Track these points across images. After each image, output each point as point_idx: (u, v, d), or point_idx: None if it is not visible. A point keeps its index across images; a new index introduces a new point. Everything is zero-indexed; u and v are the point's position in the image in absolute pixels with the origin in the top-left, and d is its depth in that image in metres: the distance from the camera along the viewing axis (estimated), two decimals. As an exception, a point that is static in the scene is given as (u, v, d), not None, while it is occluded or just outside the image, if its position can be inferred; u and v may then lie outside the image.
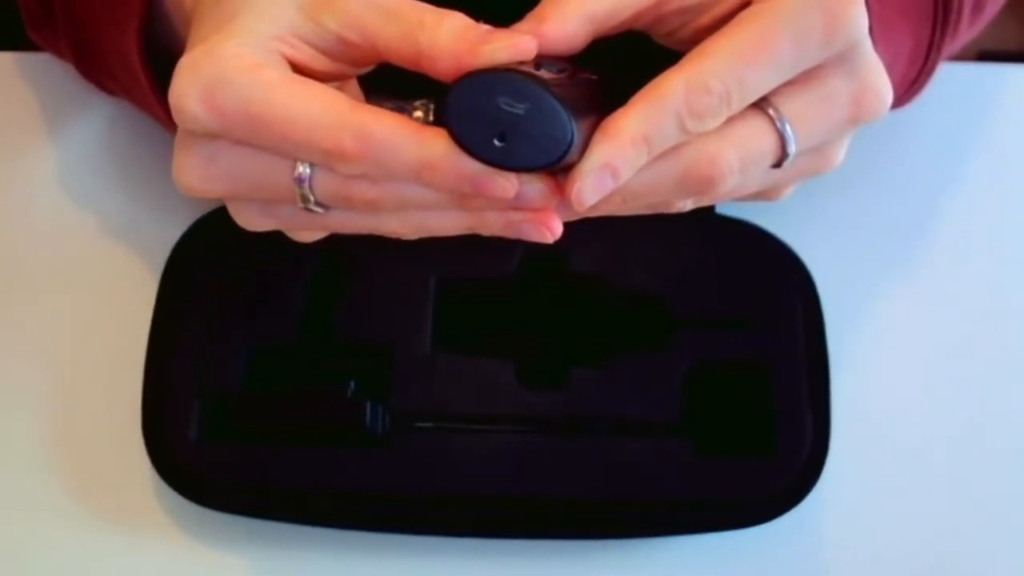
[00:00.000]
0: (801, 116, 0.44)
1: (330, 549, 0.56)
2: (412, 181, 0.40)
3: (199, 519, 0.56)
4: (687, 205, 0.46)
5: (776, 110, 0.43)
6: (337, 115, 0.39)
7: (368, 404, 0.54)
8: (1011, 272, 0.61)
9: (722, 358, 0.56)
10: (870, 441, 0.58)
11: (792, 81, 0.43)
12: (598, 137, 0.40)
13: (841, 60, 0.43)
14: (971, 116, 0.65)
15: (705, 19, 0.44)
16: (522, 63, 0.40)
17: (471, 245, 0.57)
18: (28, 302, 0.60)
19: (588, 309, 0.58)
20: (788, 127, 0.43)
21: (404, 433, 0.55)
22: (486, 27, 0.41)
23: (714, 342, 0.57)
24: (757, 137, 0.43)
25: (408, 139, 0.39)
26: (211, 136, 0.41)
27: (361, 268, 0.57)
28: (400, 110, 0.57)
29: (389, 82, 0.61)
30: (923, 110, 0.63)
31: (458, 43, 0.40)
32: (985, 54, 0.85)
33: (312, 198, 0.41)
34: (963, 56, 0.65)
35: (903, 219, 0.62)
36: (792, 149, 0.44)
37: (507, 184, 0.40)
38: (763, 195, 0.48)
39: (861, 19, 0.42)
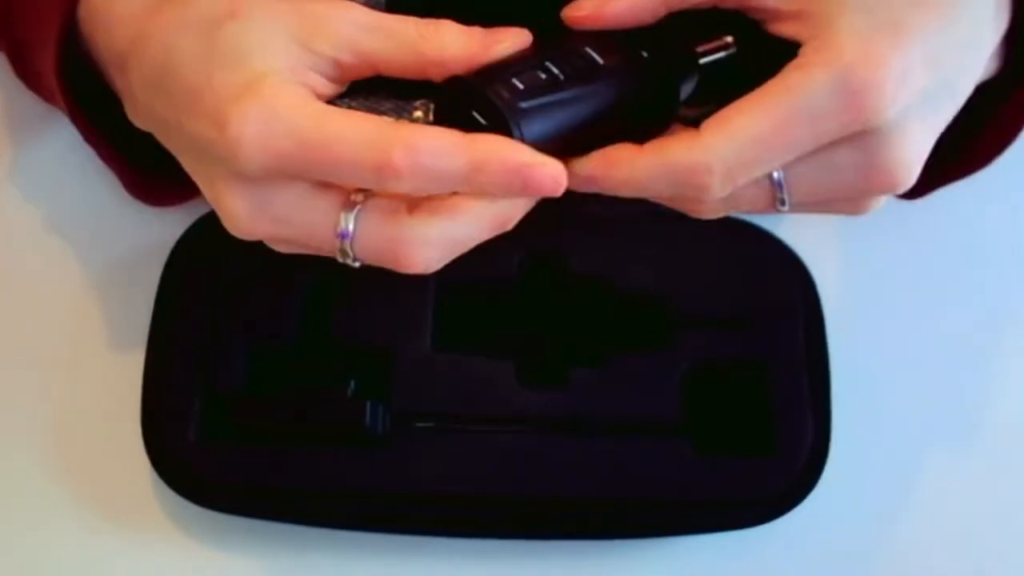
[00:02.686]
0: (801, 178, 0.44)
1: (330, 549, 0.56)
2: (461, 187, 0.41)
3: (198, 519, 0.55)
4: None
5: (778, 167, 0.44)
6: (383, 134, 0.40)
7: (368, 404, 0.54)
8: (1011, 272, 0.62)
9: (722, 358, 0.56)
10: (870, 441, 0.58)
11: None
12: (597, 164, 0.43)
13: (853, 136, 0.43)
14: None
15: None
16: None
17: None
18: (28, 301, 0.60)
19: (588, 309, 0.58)
20: (784, 185, 0.44)
21: (404, 433, 0.55)
22: (477, 28, 0.42)
23: (714, 342, 0.57)
24: (754, 189, 0.44)
25: (455, 145, 0.40)
26: (261, 179, 0.42)
27: (361, 268, 0.57)
28: (399, 110, 0.57)
29: (386, 83, 0.61)
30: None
31: (468, 46, 0.41)
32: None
33: (351, 255, 0.43)
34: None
35: (903, 219, 0.62)
36: (786, 206, 0.45)
37: (557, 173, 0.41)
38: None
39: (882, 105, 0.41)
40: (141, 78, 0.44)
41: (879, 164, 0.43)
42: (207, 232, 0.58)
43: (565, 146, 0.43)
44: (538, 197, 0.43)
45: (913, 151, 0.44)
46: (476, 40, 0.42)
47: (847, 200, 0.46)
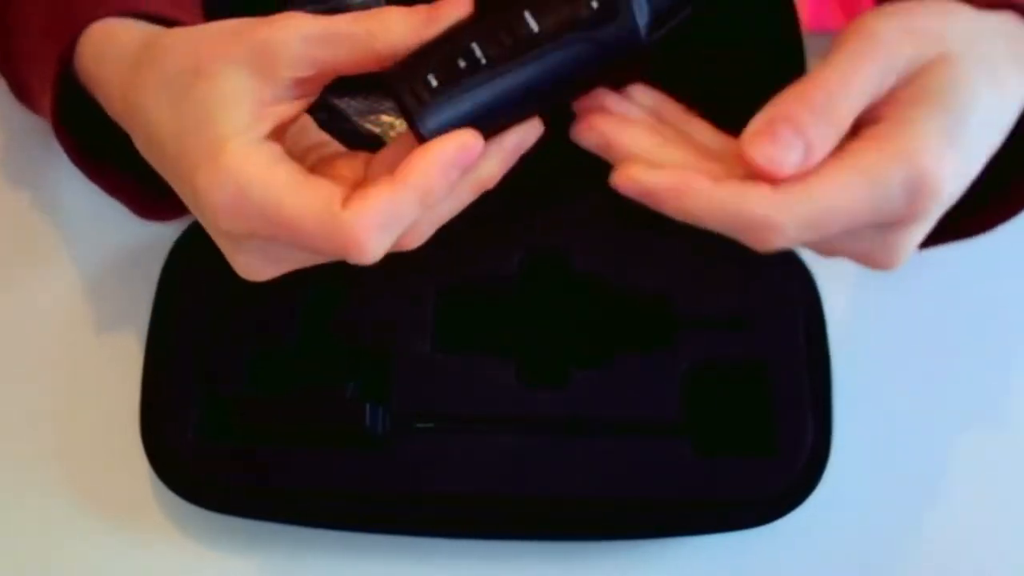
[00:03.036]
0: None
1: (330, 549, 0.56)
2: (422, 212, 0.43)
3: (197, 520, 0.55)
4: None
5: None
6: (335, 222, 0.41)
7: (368, 405, 0.54)
8: (1011, 271, 0.62)
9: (722, 358, 0.56)
10: (871, 441, 0.58)
11: None
12: (668, 186, 0.42)
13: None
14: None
15: None
16: None
17: (472, 245, 0.57)
18: (26, 302, 0.60)
19: (588, 309, 0.58)
20: None
21: (404, 434, 0.55)
22: (420, 7, 0.43)
23: (714, 342, 0.57)
24: None
25: (399, 198, 0.41)
26: (248, 236, 0.43)
27: (361, 269, 0.57)
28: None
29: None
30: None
31: (415, 30, 0.42)
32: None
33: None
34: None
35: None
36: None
37: (460, 144, 0.42)
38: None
39: (933, 209, 0.42)
40: (136, 140, 0.47)
41: (890, 246, 0.44)
42: (206, 232, 0.58)
43: (499, 120, 0.43)
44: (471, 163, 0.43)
45: (918, 241, 0.45)
46: (420, 21, 0.42)
47: (845, 253, 0.47)
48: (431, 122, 0.42)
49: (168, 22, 0.49)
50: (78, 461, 0.57)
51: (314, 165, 0.46)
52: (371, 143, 0.60)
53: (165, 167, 0.45)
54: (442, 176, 0.42)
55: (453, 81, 0.42)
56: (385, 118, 0.60)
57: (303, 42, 0.42)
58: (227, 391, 0.55)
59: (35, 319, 0.59)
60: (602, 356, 0.56)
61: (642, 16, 0.42)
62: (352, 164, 0.45)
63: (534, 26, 0.41)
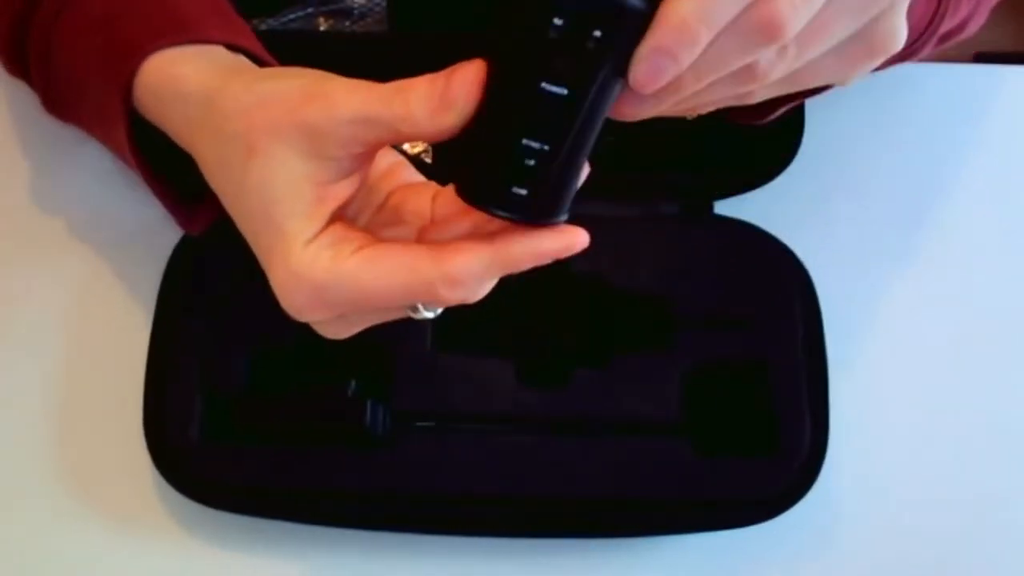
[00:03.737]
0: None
1: (330, 549, 0.56)
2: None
3: (200, 518, 0.56)
4: (777, 67, 0.41)
5: None
6: (423, 275, 0.42)
7: (368, 404, 0.54)
8: (1010, 271, 0.62)
9: (722, 358, 0.56)
10: (869, 440, 0.58)
11: None
12: (655, 21, 0.38)
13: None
14: (968, 117, 0.65)
15: None
16: None
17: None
18: (30, 302, 0.60)
19: (588, 309, 0.58)
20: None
21: (405, 433, 0.55)
22: (438, 79, 0.41)
23: (714, 342, 0.57)
24: None
25: (490, 262, 0.42)
26: (333, 319, 0.45)
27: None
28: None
29: (388, 82, 0.61)
30: (921, 111, 0.64)
31: (431, 122, 0.41)
32: (981, 55, 0.86)
33: (421, 309, 0.46)
34: (960, 57, 0.65)
35: (901, 219, 0.62)
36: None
37: (572, 242, 0.43)
38: (856, 54, 0.42)
39: None
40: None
41: (885, 28, 0.41)
42: (209, 232, 0.58)
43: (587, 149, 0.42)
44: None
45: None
46: (436, 98, 0.41)
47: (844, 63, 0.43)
48: (541, 220, 0.42)
49: (223, 46, 0.50)
50: (82, 459, 0.57)
51: (380, 207, 0.47)
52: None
53: (238, 227, 0.46)
54: (534, 261, 0.43)
55: (535, 182, 0.41)
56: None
57: (349, 125, 0.42)
58: (229, 390, 0.55)
59: (38, 319, 0.59)
60: (602, 356, 0.56)
61: None
62: (419, 198, 0.47)
63: (562, 91, 0.39)
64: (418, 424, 0.55)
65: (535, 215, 0.42)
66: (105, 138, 0.54)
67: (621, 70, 0.39)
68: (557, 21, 0.38)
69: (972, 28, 0.59)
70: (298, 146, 0.43)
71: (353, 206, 0.46)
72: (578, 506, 0.54)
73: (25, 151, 0.62)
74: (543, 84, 0.39)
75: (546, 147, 0.40)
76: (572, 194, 0.42)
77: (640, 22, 0.38)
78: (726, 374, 0.56)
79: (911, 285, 0.61)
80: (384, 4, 0.66)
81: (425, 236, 0.45)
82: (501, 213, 0.41)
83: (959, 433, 0.59)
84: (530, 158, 0.40)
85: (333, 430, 0.54)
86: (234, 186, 0.45)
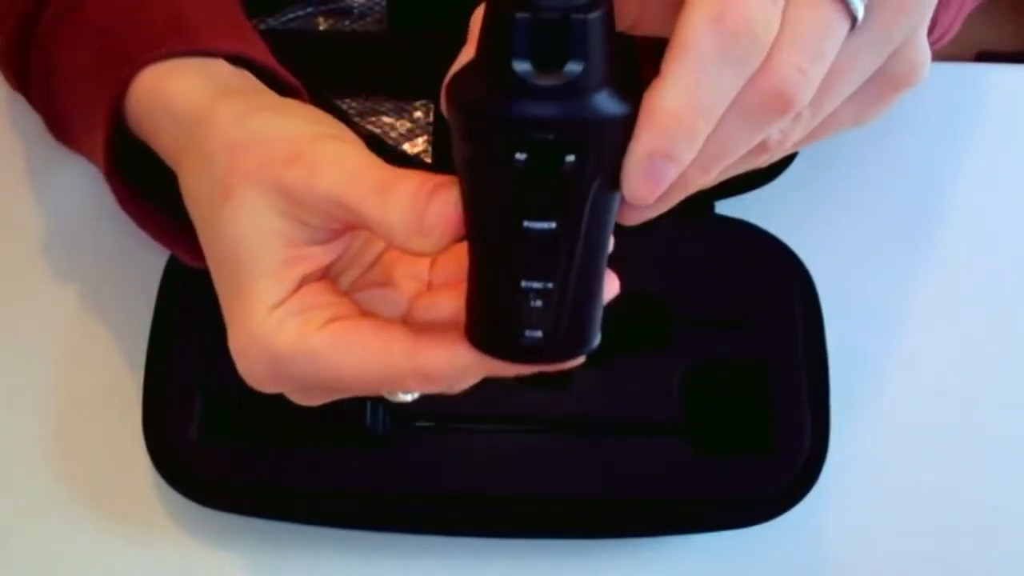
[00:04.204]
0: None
1: (330, 548, 0.56)
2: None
3: (199, 518, 0.56)
4: (791, 136, 0.36)
5: None
6: (394, 366, 0.38)
7: (368, 404, 0.54)
8: (1010, 271, 0.62)
9: (722, 358, 0.56)
10: (869, 440, 0.58)
11: None
12: (640, 122, 0.33)
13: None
14: (969, 116, 0.65)
15: None
16: None
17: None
18: (29, 302, 0.60)
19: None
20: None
21: (405, 433, 0.55)
22: (421, 194, 0.37)
23: (714, 342, 0.57)
24: (802, 6, 0.33)
25: (470, 364, 0.38)
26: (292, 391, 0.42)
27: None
28: (400, 110, 0.57)
29: (386, 83, 0.61)
30: (922, 110, 0.63)
31: (406, 237, 0.37)
32: (983, 55, 0.85)
33: (397, 392, 0.42)
34: (962, 56, 0.65)
35: (902, 219, 0.62)
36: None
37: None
38: (869, 105, 0.37)
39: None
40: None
41: (906, 62, 0.36)
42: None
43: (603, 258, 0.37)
44: None
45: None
46: (415, 219, 0.37)
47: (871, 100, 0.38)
48: (564, 359, 0.38)
49: (227, 57, 0.47)
50: (81, 460, 0.57)
51: (372, 264, 0.43)
52: (371, 144, 0.60)
53: (208, 264, 0.43)
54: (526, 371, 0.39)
55: (548, 323, 0.36)
56: (386, 119, 0.60)
57: (325, 202, 0.38)
58: (229, 390, 0.55)
59: (37, 320, 0.59)
60: (602, 356, 0.56)
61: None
62: (417, 259, 0.42)
63: (549, 226, 0.34)
64: (418, 424, 0.55)
65: (556, 357, 0.37)
66: (92, 155, 0.51)
67: (612, 183, 0.34)
68: (520, 156, 0.32)
69: (947, 39, 0.58)
70: (274, 203, 0.39)
71: (340, 261, 0.42)
72: (578, 506, 0.54)
73: (24, 152, 0.62)
74: (525, 223, 0.34)
75: (549, 285, 0.35)
76: (597, 322, 0.38)
77: (620, 128, 0.33)
78: (726, 374, 0.56)
79: (912, 285, 0.61)
80: (383, 4, 0.66)
81: (414, 310, 0.41)
82: (520, 361, 0.37)
83: (960, 433, 0.58)
84: (535, 299, 0.36)
85: (333, 430, 0.54)
86: (207, 224, 0.41)
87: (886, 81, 0.36)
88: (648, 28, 0.37)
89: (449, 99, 0.34)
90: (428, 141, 0.60)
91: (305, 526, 0.55)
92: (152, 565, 0.56)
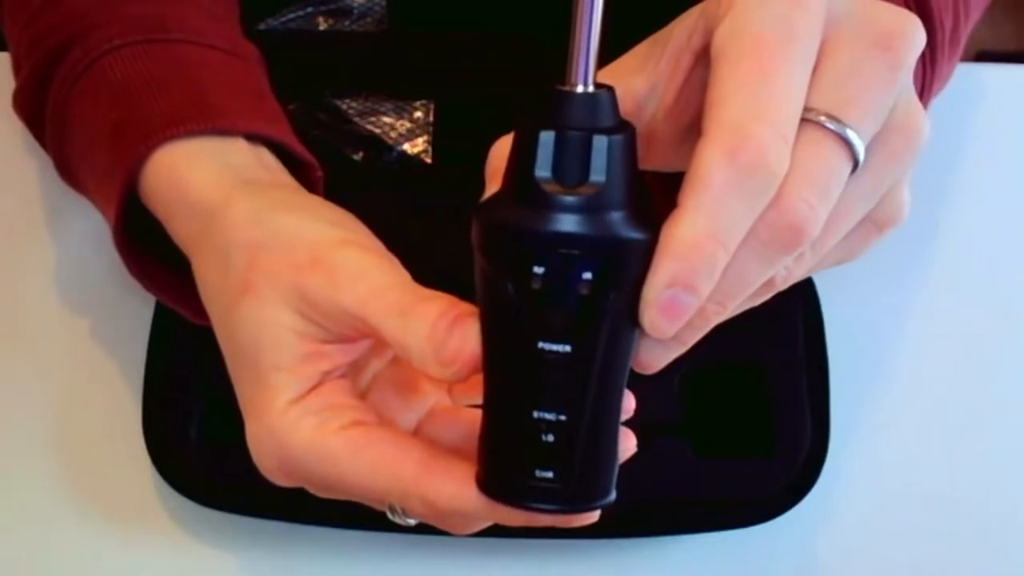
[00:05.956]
0: (837, 98, 0.35)
1: (330, 549, 0.56)
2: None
3: (200, 518, 0.56)
4: (794, 273, 0.38)
5: (811, 110, 0.35)
6: (403, 487, 0.38)
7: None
8: (1010, 271, 0.62)
9: (721, 358, 0.56)
10: (869, 440, 0.58)
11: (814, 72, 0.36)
12: (660, 251, 0.34)
13: (840, 22, 0.36)
14: (970, 116, 0.65)
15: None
16: None
17: (472, 244, 0.57)
18: (29, 302, 0.60)
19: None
20: (834, 120, 0.35)
21: (404, 433, 0.55)
22: (441, 324, 0.37)
23: (713, 342, 0.56)
24: (811, 147, 0.35)
25: (475, 507, 0.38)
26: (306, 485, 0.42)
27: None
28: (400, 110, 0.56)
29: (386, 83, 0.61)
30: (922, 111, 0.63)
31: (425, 361, 0.37)
32: (983, 54, 0.85)
33: (399, 514, 0.41)
34: (962, 56, 0.65)
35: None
36: (853, 136, 0.35)
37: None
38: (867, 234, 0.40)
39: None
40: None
41: (886, 26, 0.36)
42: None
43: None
44: None
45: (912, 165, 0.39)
46: (435, 347, 0.36)
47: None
48: (578, 508, 0.37)
49: (247, 135, 0.46)
50: (81, 459, 0.57)
51: (396, 359, 0.43)
52: (371, 144, 0.60)
53: (223, 353, 0.43)
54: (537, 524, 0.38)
55: (560, 462, 0.35)
56: (385, 119, 0.60)
57: (345, 315, 0.38)
58: (229, 390, 0.55)
59: (38, 319, 0.59)
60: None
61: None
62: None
63: (564, 349, 0.34)
64: (418, 424, 0.55)
65: (569, 503, 0.36)
66: (99, 208, 0.51)
67: (629, 313, 0.34)
68: (537, 270, 0.33)
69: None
70: (294, 304, 0.39)
71: (361, 357, 0.42)
72: (578, 506, 0.54)
73: (24, 152, 0.62)
74: (540, 344, 0.34)
75: (563, 417, 0.35)
76: (612, 472, 0.37)
77: (637, 252, 0.33)
78: (725, 375, 0.56)
79: (912, 285, 0.61)
80: (383, 4, 0.66)
81: (430, 426, 0.41)
82: (528, 506, 0.36)
83: (960, 433, 0.59)
84: (547, 433, 0.35)
85: (333, 430, 0.54)
86: (224, 314, 0.42)
87: (872, 223, 0.39)
88: (653, 164, 0.38)
89: (475, 219, 0.34)
90: (428, 141, 0.60)
91: (305, 526, 0.55)
92: (152, 565, 0.56)
